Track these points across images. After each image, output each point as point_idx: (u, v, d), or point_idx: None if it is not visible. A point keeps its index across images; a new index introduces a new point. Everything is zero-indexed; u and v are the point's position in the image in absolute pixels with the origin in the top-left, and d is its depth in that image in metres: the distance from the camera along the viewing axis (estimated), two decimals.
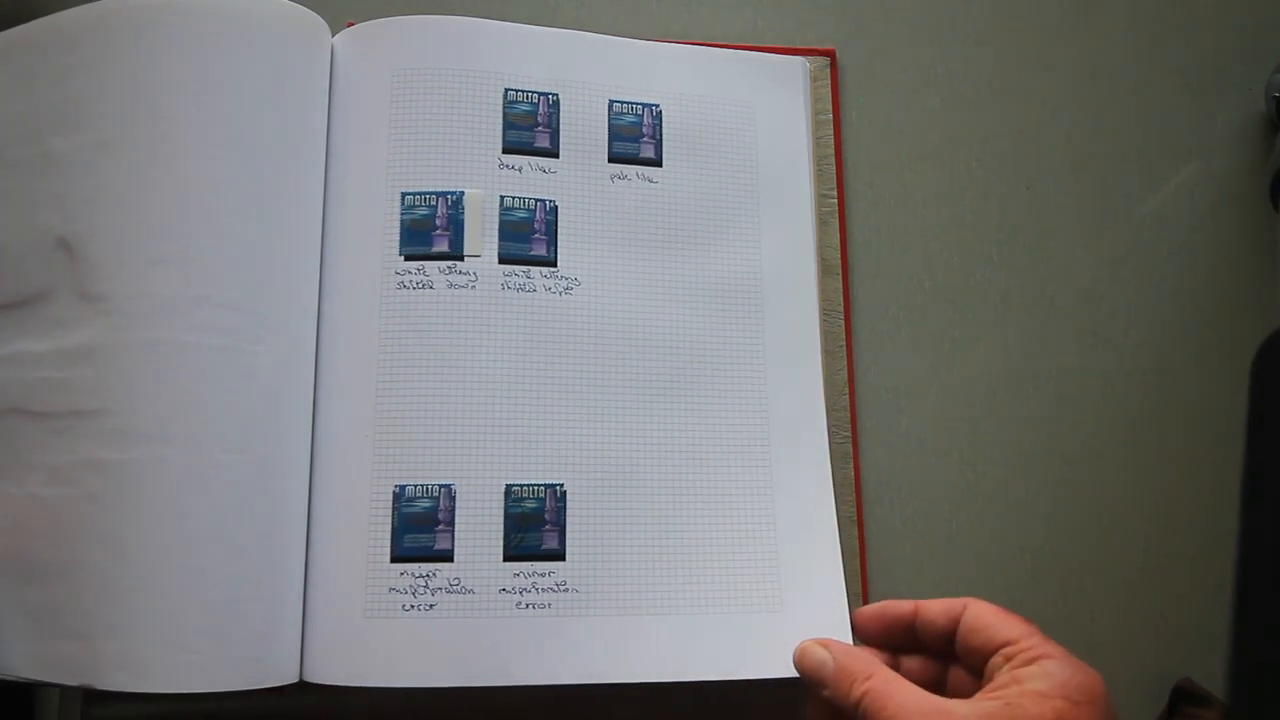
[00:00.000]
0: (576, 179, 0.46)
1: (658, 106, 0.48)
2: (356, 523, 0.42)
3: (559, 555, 0.42)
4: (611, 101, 0.47)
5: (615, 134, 0.47)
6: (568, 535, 0.43)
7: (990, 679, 0.36)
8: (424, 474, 0.42)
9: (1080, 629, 0.49)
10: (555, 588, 0.42)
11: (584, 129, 0.47)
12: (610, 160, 0.47)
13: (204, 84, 0.42)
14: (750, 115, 0.49)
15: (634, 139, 0.47)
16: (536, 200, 0.46)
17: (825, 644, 0.40)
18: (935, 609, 0.39)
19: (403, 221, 0.44)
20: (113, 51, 0.43)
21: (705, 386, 0.45)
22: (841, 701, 0.37)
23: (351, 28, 0.47)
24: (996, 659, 0.37)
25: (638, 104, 0.48)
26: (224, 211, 0.42)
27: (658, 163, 0.47)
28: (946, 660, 0.40)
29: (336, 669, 0.40)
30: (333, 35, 0.46)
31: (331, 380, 0.43)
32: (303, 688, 0.41)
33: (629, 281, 0.46)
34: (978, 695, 0.36)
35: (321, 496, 0.42)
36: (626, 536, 0.43)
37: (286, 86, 0.44)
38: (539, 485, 0.43)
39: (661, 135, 0.48)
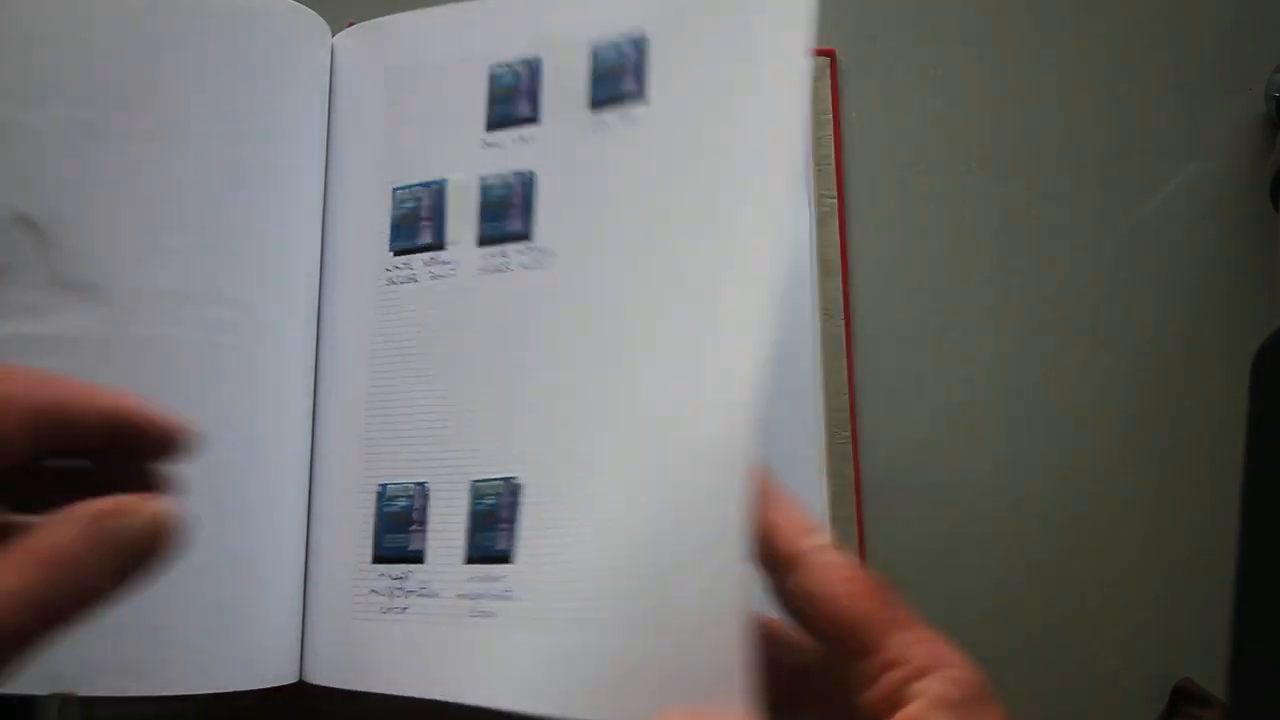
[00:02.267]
0: (556, 140, 0.42)
1: (643, 37, 0.40)
2: (347, 522, 0.42)
3: (507, 558, 0.38)
4: (594, 46, 0.41)
5: (597, 78, 0.41)
6: (517, 536, 0.38)
7: None
8: (403, 472, 0.41)
9: (1080, 629, 0.49)
10: (502, 595, 0.37)
11: (565, 84, 0.42)
12: (591, 107, 0.41)
13: (202, 81, 0.42)
14: (748, 27, 0.38)
15: (617, 78, 0.41)
16: (515, 173, 0.42)
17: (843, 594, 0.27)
18: None
19: (392, 217, 0.44)
20: (100, 30, 0.42)
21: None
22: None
23: (351, 27, 0.47)
24: None
25: (621, 40, 0.41)
26: (223, 209, 0.42)
27: (640, 96, 0.40)
28: None
29: (330, 670, 0.40)
30: (333, 35, 0.46)
31: (328, 379, 0.43)
32: (301, 688, 0.41)
33: (608, 249, 0.40)
34: None
35: (319, 496, 0.42)
36: (582, 538, 0.36)
37: (286, 86, 0.44)
38: (498, 479, 0.39)
39: (646, 66, 0.40)
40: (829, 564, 0.27)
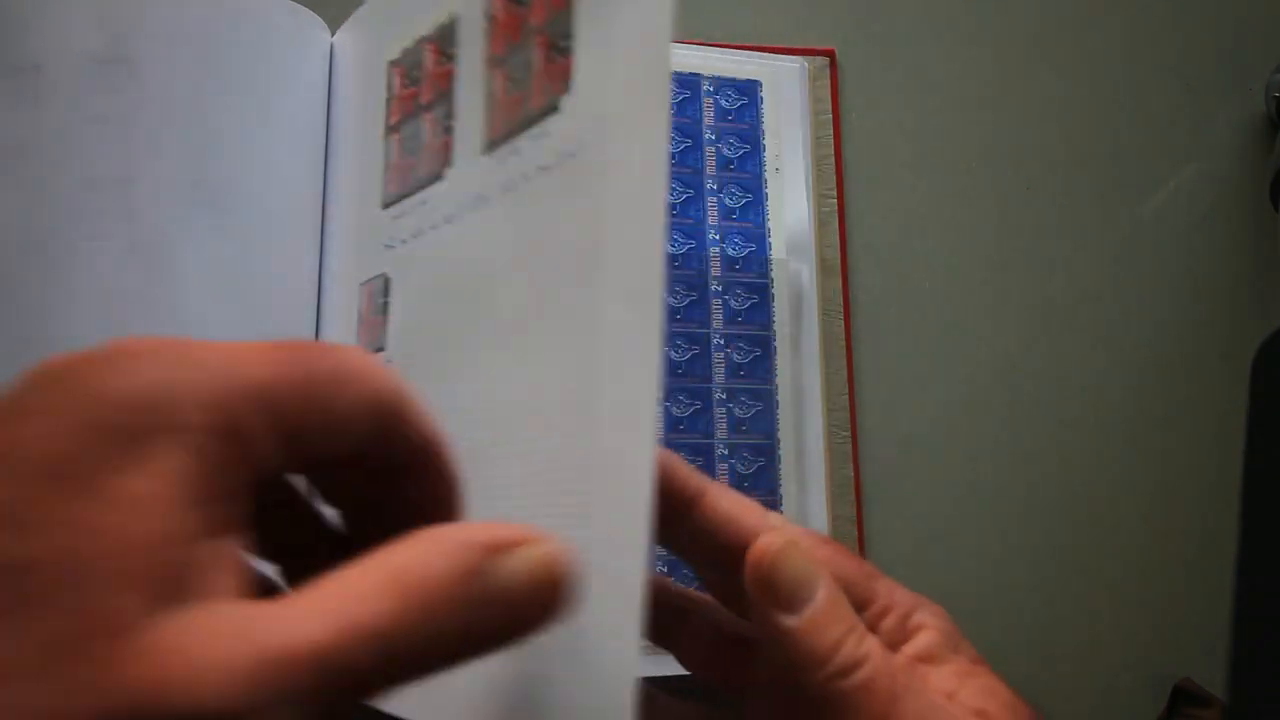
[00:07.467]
0: None
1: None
2: None
3: None
4: None
5: None
6: None
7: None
8: None
9: (1080, 629, 0.49)
10: None
11: None
12: None
13: (200, 80, 0.42)
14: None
15: None
16: None
17: (822, 559, 0.28)
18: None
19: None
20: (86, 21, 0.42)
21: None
22: (811, 648, 0.26)
23: (347, 22, 0.47)
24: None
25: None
26: (218, 208, 0.42)
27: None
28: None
29: None
30: (332, 35, 0.46)
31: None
32: None
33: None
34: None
35: None
36: None
37: (283, 86, 0.44)
38: None
39: None
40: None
